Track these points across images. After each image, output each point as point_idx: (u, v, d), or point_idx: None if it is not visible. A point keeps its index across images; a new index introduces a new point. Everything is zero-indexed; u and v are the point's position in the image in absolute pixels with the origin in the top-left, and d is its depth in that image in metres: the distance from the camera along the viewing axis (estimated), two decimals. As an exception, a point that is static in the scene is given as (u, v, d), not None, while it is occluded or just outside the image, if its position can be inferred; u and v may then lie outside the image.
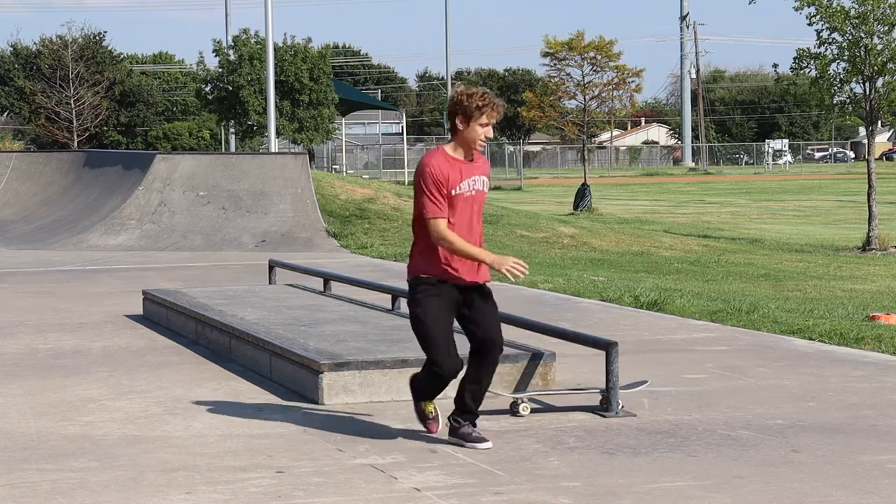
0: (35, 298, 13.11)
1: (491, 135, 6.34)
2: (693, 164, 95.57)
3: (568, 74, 40.74)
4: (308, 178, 20.83)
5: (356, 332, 8.59)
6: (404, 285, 12.18)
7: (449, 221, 6.21)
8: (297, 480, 5.68)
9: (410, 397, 6.56)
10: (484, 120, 6.22)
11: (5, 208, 24.49)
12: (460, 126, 6.24)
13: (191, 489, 5.55)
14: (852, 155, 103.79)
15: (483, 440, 6.32)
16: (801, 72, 26.15)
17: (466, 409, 6.38)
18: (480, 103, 6.20)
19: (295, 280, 12.35)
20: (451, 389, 6.42)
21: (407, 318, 9.23)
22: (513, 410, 6.98)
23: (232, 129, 53.63)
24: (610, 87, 40.35)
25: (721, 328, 10.48)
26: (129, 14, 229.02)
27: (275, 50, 35.58)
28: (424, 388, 6.48)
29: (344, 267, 15.59)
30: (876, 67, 25.14)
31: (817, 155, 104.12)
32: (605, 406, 7.04)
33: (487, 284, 6.40)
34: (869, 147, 26.60)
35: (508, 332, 8.40)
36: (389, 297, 10.07)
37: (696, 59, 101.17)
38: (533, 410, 7.12)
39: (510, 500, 5.33)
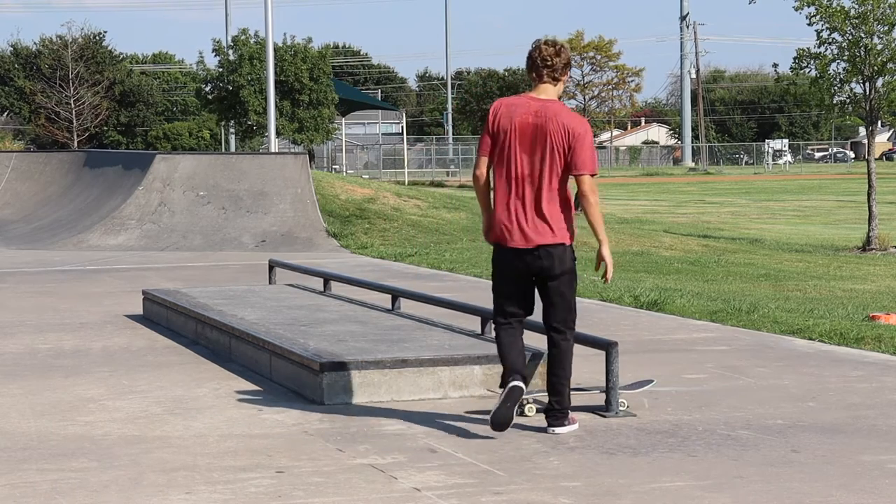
0: (35, 298, 13.11)
1: None
2: (693, 164, 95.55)
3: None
4: (308, 178, 20.83)
5: (356, 332, 8.59)
6: (404, 285, 12.21)
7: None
8: (297, 480, 5.67)
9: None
10: None
11: (5, 208, 24.49)
12: (564, 78, 6.52)
13: (191, 489, 5.55)
14: (852, 155, 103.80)
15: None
16: (801, 72, 26.17)
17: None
18: None
19: (295, 280, 12.34)
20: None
21: (407, 318, 9.28)
22: (518, 410, 6.97)
23: (232, 129, 53.66)
24: (610, 86, 40.38)
25: (721, 328, 10.47)
26: (129, 14, 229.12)
27: (275, 50, 35.59)
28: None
29: (344, 267, 15.59)
30: (876, 67, 25.14)
31: (817, 155, 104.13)
32: (605, 405, 7.04)
33: None
34: (869, 147, 26.60)
35: (508, 332, 8.43)
36: (389, 297, 10.07)
37: (696, 59, 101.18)
38: (532, 411, 7.12)
39: (510, 500, 5.33)
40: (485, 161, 6.40)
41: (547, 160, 6.29)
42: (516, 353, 6.49)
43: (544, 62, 6.38)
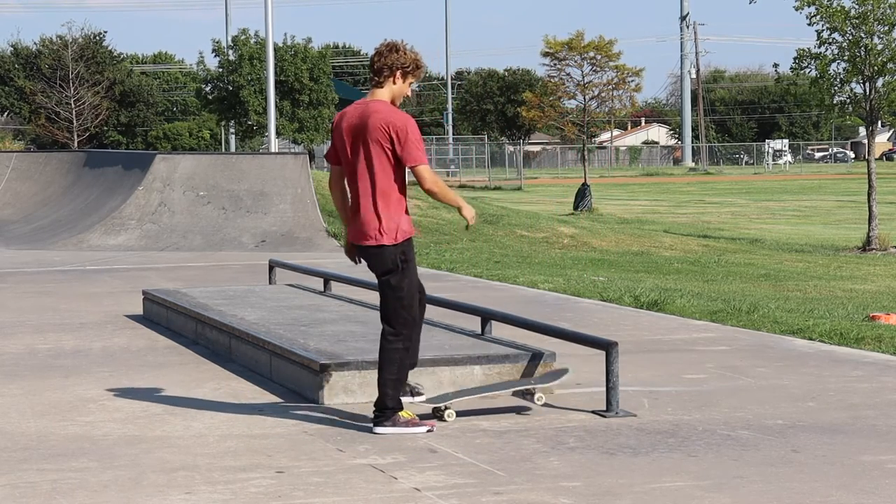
0: (35, 298, 13.11)
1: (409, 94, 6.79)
2: (693, 164, 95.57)
3: (568, 74, 40.75)
4: (308, 178, 20.83)
5: (356, 332, 8.58)
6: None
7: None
8: (297, 480, 5.67)
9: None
10: (412, 80, 6.65)
11: (5, 208, 24.49)
12: (398, 80, 6.56)
13: (191, 489, 5.55)
14: (852, 155, 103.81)
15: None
16: (802, 72, 26.18)
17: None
18: (421, 65, 6.64)
19: (295, 280, 12.34)
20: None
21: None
22: (437, 415, 6.91)
23: (232, 129, 53.69)
24: (610, 86, 40.35)
25: (721, 328, 10.47)
26: (129, 14, 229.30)
27: (275, 50, 35.60)
28: (400, 381, 6.55)
29: (344, 267, 15.55)
30: (876, 67, 25.16)
31: (817, 155, 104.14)
32: (606, 405, 7.03)
33: None
34: (869, 147, 26.61)
35: (508, 332, 8.43)
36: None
37: (696, 59, 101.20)
38: (533, 411, 7.12)
39: (510, 500, 5.33)
40: (334, 169, 6.67)
41: (372, 157, 6.43)
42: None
43: (370, 68, 6.64)
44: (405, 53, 6.56)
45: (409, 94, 6.71)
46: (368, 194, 6.45)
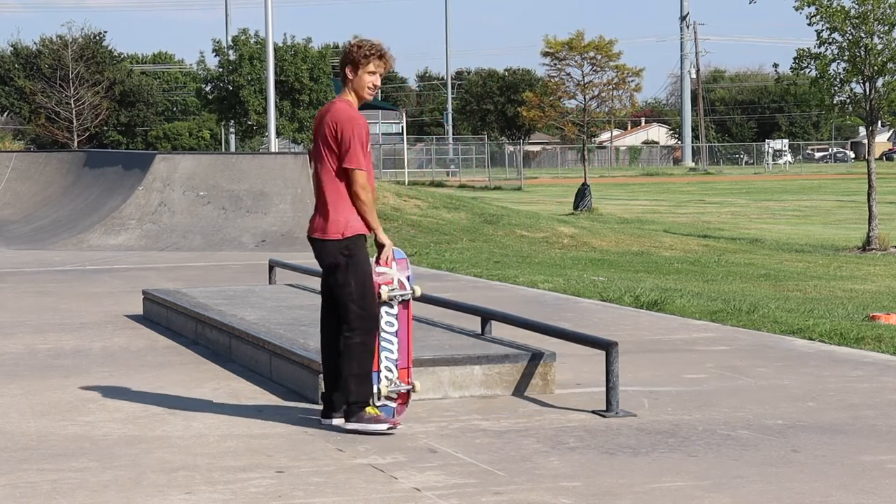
0: (35, 298, 13.10)
1: (378, 83, 6.67)
2: (693, 164, 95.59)
3: (568, 74, 40.77)
4: (308, 178, 20.82)
5: (356, 332, 8.56)
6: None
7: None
8: (297, 480, 5.67)
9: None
10: (371, 68, 6.56)
11: (5, 208, 24.49)
12: (350, 75, 6.59)
13: (191, 489, 5.55)
14: (852, 155, 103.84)
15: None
16: (802, 72, 26.19)
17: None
18: (368, 52, 6.56)
19: (295, 280, 12.34)
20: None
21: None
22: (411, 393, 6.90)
23: (232, 129, 53.69)
24: (610, 86, 40.37)
25: (721, 328, 10.47)
26: (129, 14, 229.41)
27: (275, 50, 35.61)
28: (363, 376, 6.50)
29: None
30: (876, 67, 25.17)
31: (817, 155, 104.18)
32: (606, 405, 7.04)
33: None
34: (869, 147, 26.62)
35: (508, 332, 8.43)
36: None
37: (696, 59, 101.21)
38: (533, 411, 7.12)
39: (510, 500, 5.33)
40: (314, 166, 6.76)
41: (323, 155, 6.53)
42: (327, 368, 6.73)
43: None
44: (348, 47, 6.63)
45: (376, 83, 6.64)
46: (322, 189, 6.56)
